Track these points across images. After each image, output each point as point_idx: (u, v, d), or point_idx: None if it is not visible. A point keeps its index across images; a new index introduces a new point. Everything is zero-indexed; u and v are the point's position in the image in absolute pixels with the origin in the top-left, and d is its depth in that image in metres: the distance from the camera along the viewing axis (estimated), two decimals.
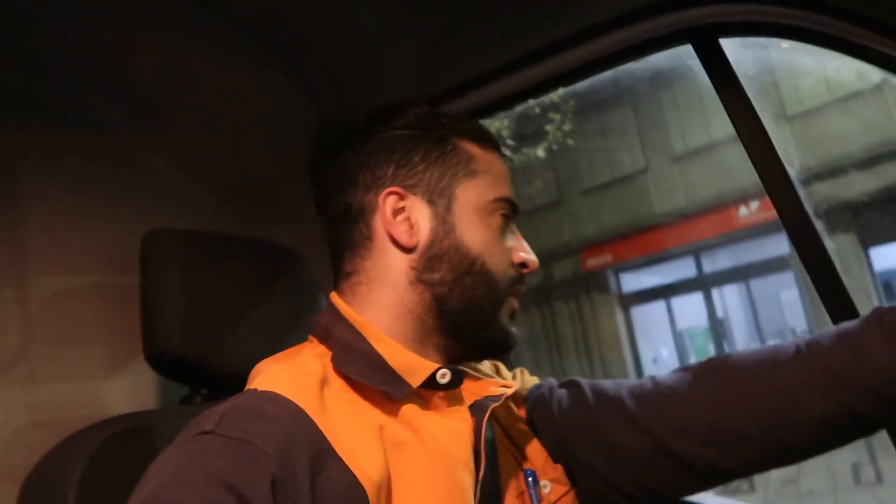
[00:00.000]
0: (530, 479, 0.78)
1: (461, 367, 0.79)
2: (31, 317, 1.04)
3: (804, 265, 1.03)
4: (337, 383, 0.68)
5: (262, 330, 0.99)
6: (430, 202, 0.75)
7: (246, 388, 0.67)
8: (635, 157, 10.98)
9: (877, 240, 8.93)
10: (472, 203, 0.76)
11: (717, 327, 11.19)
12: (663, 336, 11.67)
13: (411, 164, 0.76)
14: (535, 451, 0.83)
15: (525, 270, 0.79)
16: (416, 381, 0.69)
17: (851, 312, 1.01)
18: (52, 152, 1.10)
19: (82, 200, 1.13)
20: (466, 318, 0.74)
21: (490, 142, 0.81)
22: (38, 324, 1.04)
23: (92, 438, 0.78)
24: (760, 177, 1.07)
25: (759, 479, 6.56)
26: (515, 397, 0.88)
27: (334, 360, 0.69)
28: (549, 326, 11.46)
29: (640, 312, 11.70)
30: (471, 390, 0.77)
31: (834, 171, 8.39)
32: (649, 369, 11.36)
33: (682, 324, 11.61)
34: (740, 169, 9.74)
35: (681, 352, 11.54)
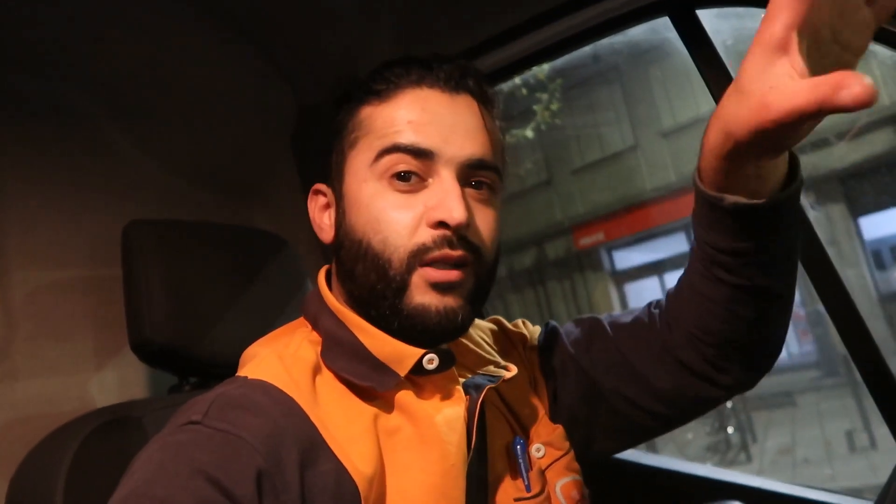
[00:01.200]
0: (518, 447, 0.74)
1: (459, 341, 0.76)
2: (13, 312, 1.03)
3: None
4: (328, 372, 0.66)
5: (249, 317, 0.98)
6: (333, 191, 0.70)
7: (237, 374, 0.65)
8: (624, 134, 10.97)
9: (865, 209, 8.98)
10: (355, 177, 0.65)
11: None
12: None
13: (329, 155, 0.71)
14: (531, 413, 0.79)
15: (444, 231, 0.62)
16: (403, 369, 0.64)
17: (836, 283, 1.02)
18: (28, 145, 1.09)
19: (61, 193, 1.12)
20: (375, 310, 0.64)
21: (394, 85, 0.66)
22: (20, 319, 1.04)
23: (80, 429, 0.78)
24: None
25: (755, 449, 6.64)
26: (516, 344, 0.86)
27: (322, 354, 0.66)
28: (543, 306, 11.50)
29: (633, 289, 11.75)
30: (465, 365, 0.73)
31: (819, 142, 8.41)
32: None
33: None
34: None
35: None
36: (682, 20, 1.10)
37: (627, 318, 0.82)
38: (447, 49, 1.27)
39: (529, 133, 8.14)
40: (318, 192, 0.72)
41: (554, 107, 8.17)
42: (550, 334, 0.86)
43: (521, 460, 0.73)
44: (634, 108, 10.81)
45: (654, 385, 0.78)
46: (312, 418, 0.59)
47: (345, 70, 1.26)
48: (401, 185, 0.64)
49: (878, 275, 9.47)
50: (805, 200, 1.06)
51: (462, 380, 0.70)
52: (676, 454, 6.77)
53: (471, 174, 0.66)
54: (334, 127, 0.71)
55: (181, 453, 0.54)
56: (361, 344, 0.66)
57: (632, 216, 10.85)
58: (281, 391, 0.60)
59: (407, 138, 0.63)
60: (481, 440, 0.72)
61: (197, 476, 0.52)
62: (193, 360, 0.92)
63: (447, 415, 0.65)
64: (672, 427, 0.83)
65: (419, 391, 0.67)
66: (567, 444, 0.78)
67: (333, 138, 0.71)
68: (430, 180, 0.64)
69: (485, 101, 0.69)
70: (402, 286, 0.63)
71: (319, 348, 0.67)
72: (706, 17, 1.10)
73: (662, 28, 1.18)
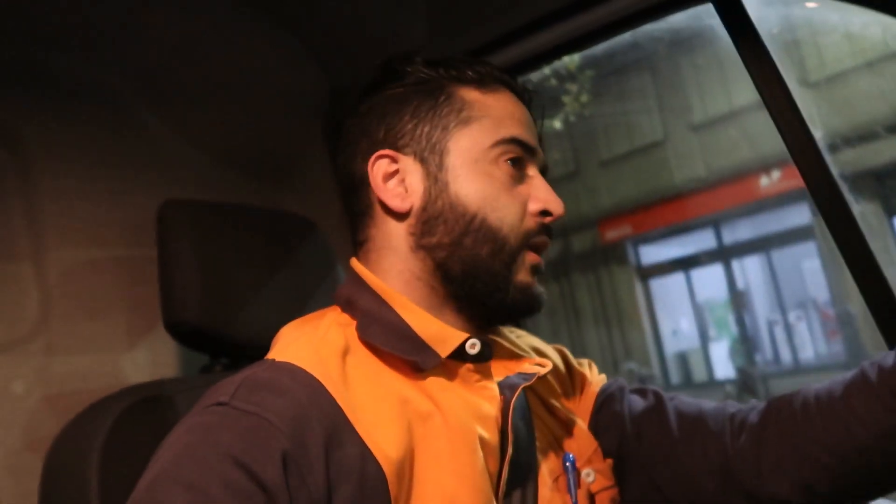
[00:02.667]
0: (568, 463, 0.73)
1: (495, 338, 0.76)
2: (49, 289, 1.05)
3: (831, 233, 1.00)
4: (360, 353, 0.66)
5: (280, 299, 0.99)
6: (422, 161, 0.70)
7: (266, 356, 0.66)
8: (654, 126, 10.83)
9: None
10: (468, 154, 0.69)
11: (738, 299, 11.10)
12: (683, 308, 11.60)
13: (402, 123, 0.71)
14: (585, 439, 0.79)
15: (548, 219, 0.71)
16: (445, 350, 0.66)
17: (879, 281, 0.98)
18: (64, 125, 1.10)
19: (96, 173, 1.13)
20: (473, 281, 0.68)
21: (493, 80, 0.74)
22: (56, 296, 1.05)
23: (113, 407, 0.79)
24: (785, 142, 1.03)
25: None
26: (575, 383, 0.85)
27: (359, 328, 0.67)
28: (567, 298, 11.45)
29: (659, 284, 11.63)
30: (504, 365, 0.73)
31: (858, 136, 8.20)
32: (668, 341, 11.34)
33: (701, 295, 11.53)
34: (762, 137, 9.59)
35: (700, 324, 11.49)
36: (727, 7, 1.07)
37: (694, 410, 0.80)
38: (480, 36, 1.26)
39: (558, 124, 8.08)
40: (382, 157, 0.71)
41: (583, 98, 8.09)
42: (613, 395, 0.84)
43: (570, 476, 0.73)
44: (665, 99, 10.66)
45: (698, 491, 0.77)
46: (339, 401, 0.60)
47: (378, 54, 1.26)
48: (512, 171, 0.70)
49: None
50: (849, 195, 1.03)
51: (497, 379, 0.70)
52: None
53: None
54: (413, 96, 0.72)
55: (209, 435, 0.55)
56: (405, 322, 0.67)
57: (660, 210, 10.72)
58: (307, 373, 0.60)
59: (523, 134, 0.72)
60: (525, 440, 0.71)
61: (225, 460, 0.53)
62: (225, 341, 0.92)
63: (477, 410, 0.66)
64: None
65: (451, 377, 0.67)
66: (615, 479, 0.78)
67: (420, 108, 0.71)
68: (528, 172, 0.73)
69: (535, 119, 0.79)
70: (512, 262, 0.69)
71: (350, 329, 0.68)
72: (751, 3, 1.06)
73: (704, 14, 1.15)
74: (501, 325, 0.79)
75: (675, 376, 11.24)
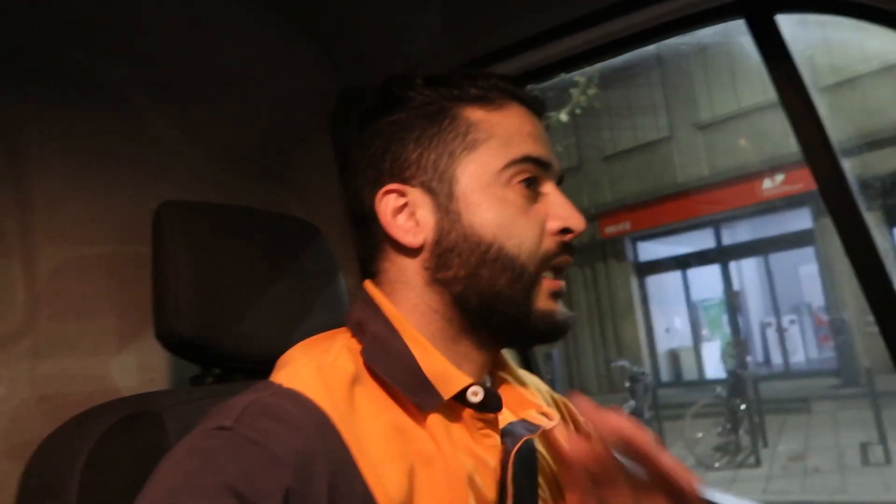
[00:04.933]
0: None
1: (503, 375, 0.73)
2: (37, 289, 1.01)
3: (841, 239, 1.00)
4: (368, 382, 0.63)
5: (278, 308, 0.95)
6: (431, 192, 0.66)
7: (271, 378, 0.63)
8: (660, 123, 10.77)
9: None
10: (477, 180, 0.65)
11: (732, 300, 11.11)
12: (677, 306, 11.63)
13: (406, 152, 0.66)
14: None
15: (568, 237, 0.67)
16: (447, 391, 0.63)
17: (888, 288, 0.97)
18: (58, 121, 1.05)
19: (90, 170, 1.08)
20: (492, 313, 0.65)
21: (499, 95, 0.68)
22: (45, 296, 1.01)
23: (97, 423, 0.75)
24: (804, 152, 1.02)
25: (765, 453, 6.58)
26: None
27: (365, 353, 0.64)
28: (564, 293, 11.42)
29: (655, 282, 11.64)
30: (510, 406, 0.69)
31: (864, 146, 8.16)
32: (662, 339, 11.37)
33: (697, 295, 11.55)
34: (766, 139, 9.56)
35: (694, 323, 11.52)
36: (760, 24, 1.03)
37: None
38: (496, 40, 1.21)
39: (564, 117, 8.00)
40: (391, 192, 0.67)
41: (591, 92, 8.01)
42: None
43: None
44: (672, 98, 10.60)
45: None
46: (346, 435, 0.57)
47: (390, 54, 1.21)
48: (527, 191, 0.66)
49: None
50: (860, 199, 1.02)
51: (501, 425, 0.67)
52: (684, 452, 6.74)
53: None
54: (416, 122, 0.67)
55: (209, 462, 0.53)
56: (412, 355, 0.64)
57: (660, 208, 10.70)
58: (315, 404, 0.58)
59: (535, 150, 0.67)
60: (528, 495, 0.68)
61: (224, 491, 0.50)
62: (219, 352, 0.89)
63: (478, 458, 0.63)
64: None
65: (455, 418, 0.64)
66: None
67: (424, 134, 0.67)
68: (543, 189, 0.68)
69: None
70: (531, 289, 0.65)
71: (359, 356, 0.64)
72: (785, 22, 1.02)
73: (734, 31, 1.10)
74: (525, 348, 0.77)
75: (666, 374, 11.28)
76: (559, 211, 0.67)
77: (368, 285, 0.70)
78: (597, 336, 11.41)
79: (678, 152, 10.66)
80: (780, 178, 9.58)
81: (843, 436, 6.70)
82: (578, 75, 7.89)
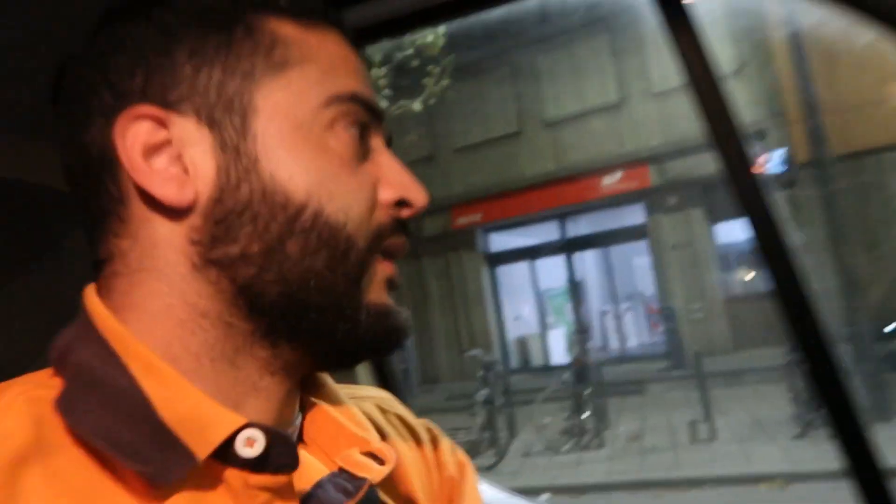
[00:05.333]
0: None
1: (315, 400, 0.50)
2: None
3: (748, 219, 0.96)
4: (63, 451, 0.38)
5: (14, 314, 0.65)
6: (212, 124, 0.44)
7: None
8: (510, 118, 11.08)
9: (720, 216, 9.68)
10: (287, 114, 0.45)
11: (575, 289, 11.70)
12: (525, 295, 12.06)
13: (173, 65, 0.43)
14: None
15: (406, 212, 0.49)
16: (204, 446, 0.40)
17: (792, 276, 0.96)
18: None
19: None
20: (301, 310, 0.44)
21: (316, 14, 0.48)
22: None
23: None
24: (709, 130, 0.95)
25: (608, 435, 6.91)
26: (443, 478, 0.59)
27: (60, 402, 0.39)
28: (415, 283, 11.45)
29: (505, 271, 12.00)
30: (325, 447, 0.48)
31: (689, 149, 8.88)
32: (511, 326, 11.74)
33: (543, 284, 12.05)
34: (607, 138, 10.15)
35: (540, 311, 12.01)
36: None
37: None
38: None
39: (417, 106, 7.90)
40: (141, 117, 0.42)
41: (445, 82, 7.98)
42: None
43: None
44: (522, 95, 10.92)
45: None
46: None
47: None
48: (356, 143, 0.47)
49: (725, 277, 10.26)
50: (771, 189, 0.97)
51: (302, 490, 0.43)
52: (534, 436, 6.93)
53: None
54: (191, 29, 0.44)
55: None
56: (141, 393, 0.40)
57: (510, 200, 11.02)
58: None
59: (365, 91, 0.48)
60: None
61: None
62: None
63: None
64: None
65: (223, 497, 0.40)
66: None
67: (205, 45, 0.44)
68: (373, 144, 0.49)
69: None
70: (361, 276, 0.46)
71: (47, 407, 0.39)
72: None
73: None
74: (346, 369, 0.51)
75: (515, 361, 11.66)
76: (395, 177, 0.48)
77: (89, 294, 0.45)
78: (450, 325, 11.54)
79: (527, 147, 11.03)
80: (618, 175, 10.21)
81: (674, 416, 7.22)
82: (432, 65, 7.83)
